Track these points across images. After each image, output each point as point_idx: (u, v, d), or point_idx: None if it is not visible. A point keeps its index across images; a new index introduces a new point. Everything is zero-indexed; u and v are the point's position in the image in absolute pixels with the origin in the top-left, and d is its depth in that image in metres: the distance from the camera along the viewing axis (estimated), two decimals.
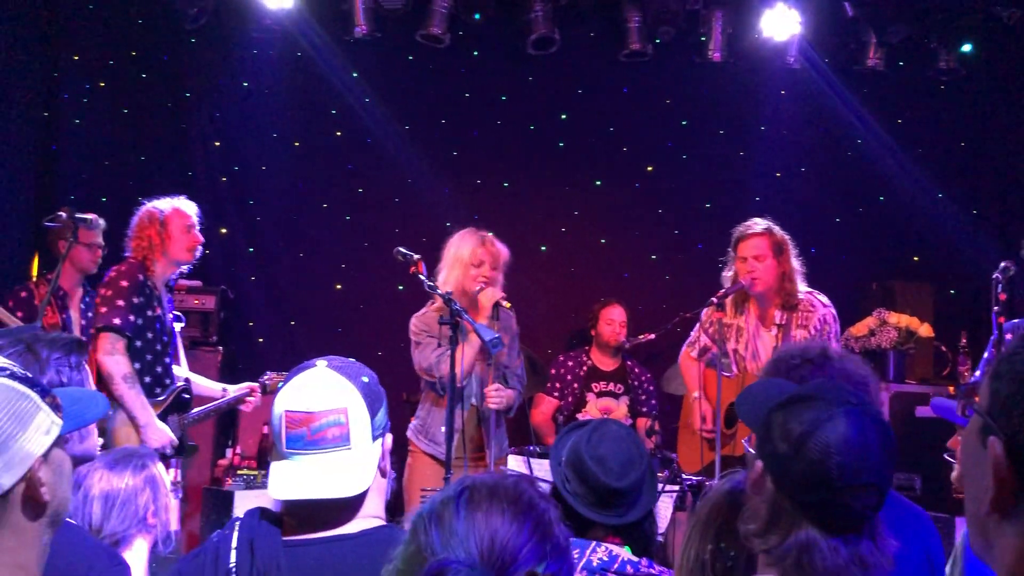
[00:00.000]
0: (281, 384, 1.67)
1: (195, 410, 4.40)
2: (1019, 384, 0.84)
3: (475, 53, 6.47)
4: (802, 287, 4.26)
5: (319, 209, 6.46)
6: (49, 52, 5.99)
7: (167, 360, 4.27)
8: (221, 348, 5.82)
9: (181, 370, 4.43)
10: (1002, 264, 4.49)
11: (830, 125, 6.60)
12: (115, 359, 3.98)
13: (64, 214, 4.30)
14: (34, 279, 5.20)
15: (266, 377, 4.73)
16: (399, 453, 4.31)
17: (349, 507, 1.65)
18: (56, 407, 1.31)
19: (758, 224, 4.29)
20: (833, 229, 6.61)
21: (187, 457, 4.36)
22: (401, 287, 6.10)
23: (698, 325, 4.38)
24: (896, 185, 6.61)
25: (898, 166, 6.57)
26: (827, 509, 1.47)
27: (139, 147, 6.26)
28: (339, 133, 6.44)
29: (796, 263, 4.26)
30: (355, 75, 6.31)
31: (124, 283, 4.08)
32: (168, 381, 4.26)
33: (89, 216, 4.45)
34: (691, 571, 1.86)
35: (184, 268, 4.41)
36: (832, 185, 6.69)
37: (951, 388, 5.41)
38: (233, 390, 4.59)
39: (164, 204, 4.30)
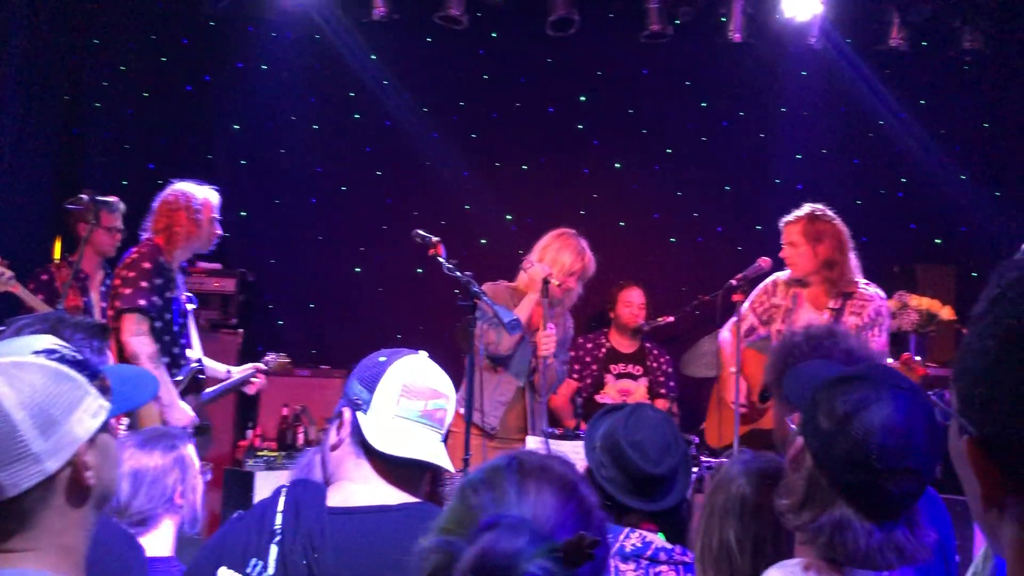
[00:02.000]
0: (384, 359, 1.76)
1: (208, 390, 4.44)
2: (982, 381, 0.82)
3: (493, 35, 6.44)
4: (858, 278, 4.18)
5: (338, 192, 6.47)
6: (70, 36, 6.02)
7: (182, 341, 4.29)
8: (241, 330, 5.86)
9: (194, 352, 4.46)
10: None
11: (852, 106, 6.53)
12: (140, 340, 4.02)
13: (86, 197, 4.34)
14: (56, 262, 5.23)
15: (268, 358, 4.77)
16: None
17: (421, 479, 1.78)
18: (105, 389, 1.31)
19: (800, 211, 4.23)
20: (854, 211, 6.49)
21: (203, 437, 4.39)
22: (420, 270, 6.12)
23: (748, 304, 4.36)
24: (918, 167, 6.54)
25: (920, 147, 6.50)
26: (865, 491, 1.44)
27: (159, 130, 6.29)
28: (357, 116, 6.45)
29: (847, 253, 4.14)
30: (373, 57, 6.31)
31: (146, 264, 4.10)
32: (183, 362, 4.29)
33: (111, 199, 4.48)
34: (716, 559, 1.82)
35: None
36: (853, 167, 6.63)
37: None
38: (237, 371, 4.62)
39: (198, 191, 4.28)
